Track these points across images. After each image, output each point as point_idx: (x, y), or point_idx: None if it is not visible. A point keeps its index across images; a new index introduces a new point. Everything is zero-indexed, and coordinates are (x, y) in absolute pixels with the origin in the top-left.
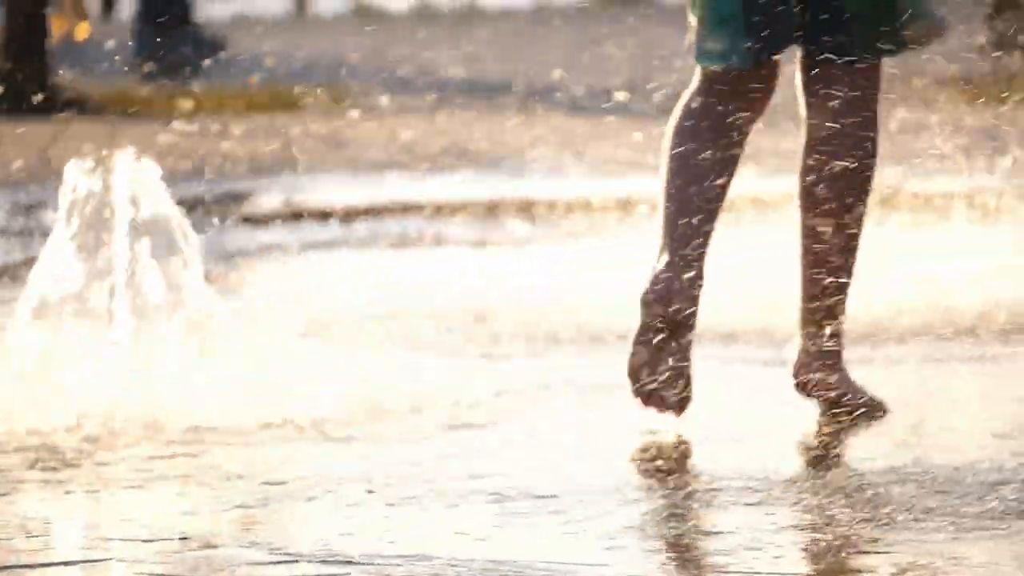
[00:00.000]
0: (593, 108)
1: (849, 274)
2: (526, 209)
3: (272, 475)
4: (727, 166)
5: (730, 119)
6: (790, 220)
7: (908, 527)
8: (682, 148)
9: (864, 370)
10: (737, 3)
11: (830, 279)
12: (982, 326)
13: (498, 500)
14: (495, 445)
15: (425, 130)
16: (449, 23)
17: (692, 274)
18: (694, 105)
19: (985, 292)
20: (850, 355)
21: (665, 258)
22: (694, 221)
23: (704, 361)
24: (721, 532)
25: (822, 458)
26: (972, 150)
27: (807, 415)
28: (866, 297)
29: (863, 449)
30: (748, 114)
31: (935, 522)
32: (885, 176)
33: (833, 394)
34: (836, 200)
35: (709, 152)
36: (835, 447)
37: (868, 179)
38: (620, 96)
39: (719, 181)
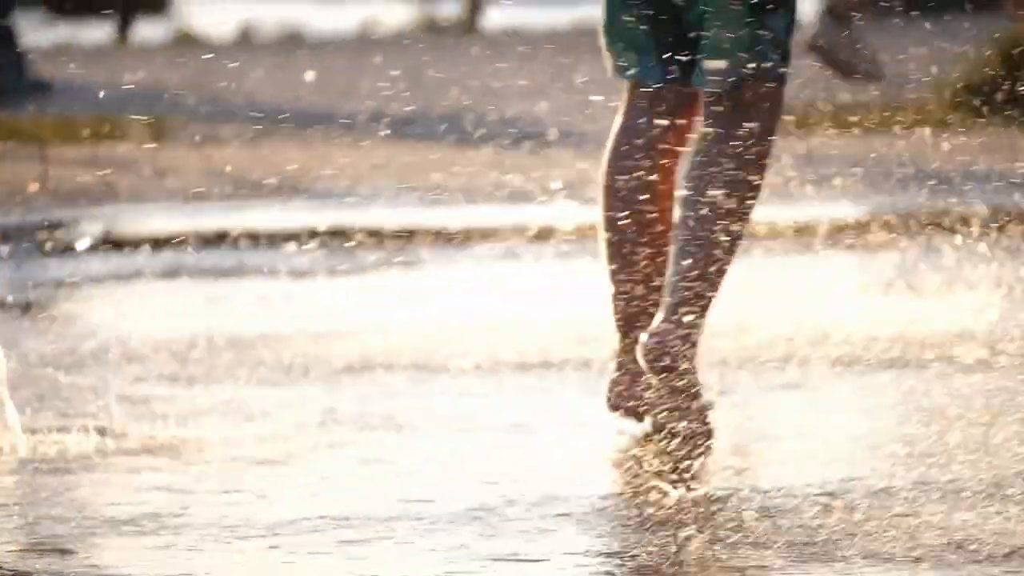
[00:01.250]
0: (418, 135)
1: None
2: (351, 238)
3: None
4: (662, 184)
5: (657, 136)
6: None
7: (743, 549)
8: (615, 170)
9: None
10: (645, 26)
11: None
12: (807, 354)
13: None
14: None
15: (248, 158)
16: (273, 50)
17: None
18: (621, 125)
19: (810, 321)
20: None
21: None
22: (634, 247)
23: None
24: (532, 559)
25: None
26: (798, 178)
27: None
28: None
29: (692, 473)
30: (673, 132)
31: (768, 546)
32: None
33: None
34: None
35: (641, 172)
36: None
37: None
38: (446, 123)
39: (653, 203)
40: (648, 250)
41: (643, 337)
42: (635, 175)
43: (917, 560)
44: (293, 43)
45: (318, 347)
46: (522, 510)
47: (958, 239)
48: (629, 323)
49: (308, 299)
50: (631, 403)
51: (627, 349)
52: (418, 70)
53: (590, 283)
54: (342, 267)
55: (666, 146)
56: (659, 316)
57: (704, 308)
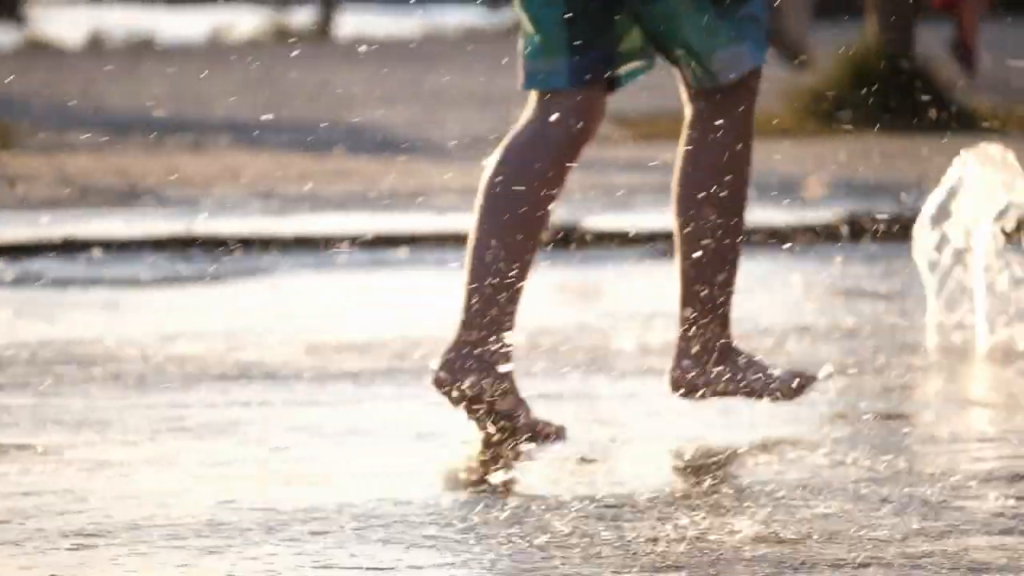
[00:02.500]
0: (268, 142)
1: None
2: (199, 245)
3: None
4: (549, 193)
5: (557, 144)
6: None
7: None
8: (502, 178)
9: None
10: (560, 24)
11: None
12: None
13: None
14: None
15: (97, 165)
16: (122, 57)
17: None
18: (519, 134)
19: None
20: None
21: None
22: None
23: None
24: (379, 568)
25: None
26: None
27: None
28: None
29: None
30: (572, 139)
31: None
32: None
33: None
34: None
35: (535, 180)
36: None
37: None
38: (296, 130)
39: (537, 211)
40: (522, 255)
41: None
42: (536, 182)
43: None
44: (144, 50)
45: (165, 354)
46: (350, 516)
47: (791, 246)
48: (483, 323)
49: (156, 307)
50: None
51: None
52: (269, 77)
53: (436, 290)
54: (190, 274)
55: (570, 154)
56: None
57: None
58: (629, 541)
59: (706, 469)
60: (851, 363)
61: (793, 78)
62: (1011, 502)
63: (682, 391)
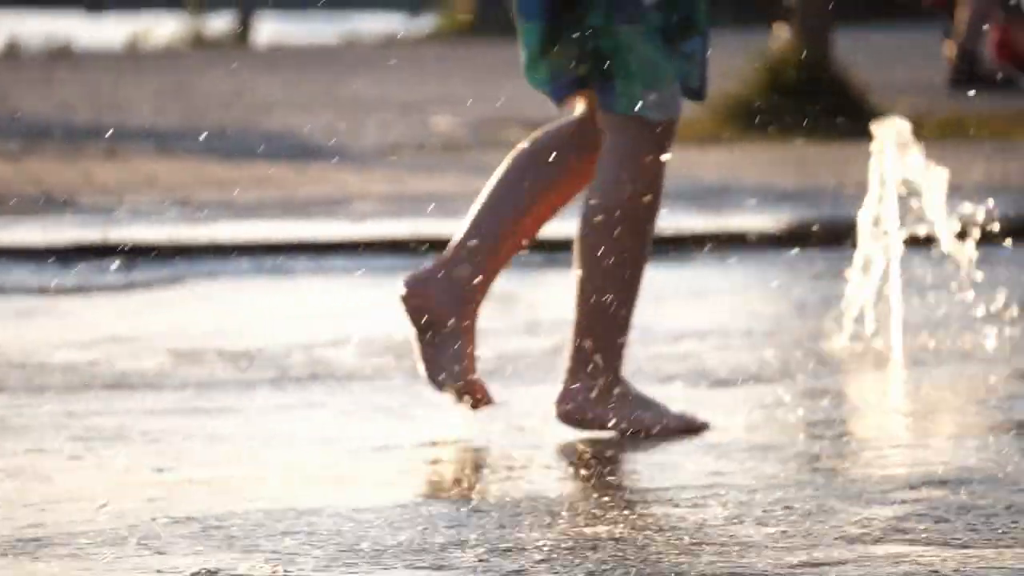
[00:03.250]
0: (185, 149)
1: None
2: (116, 253)
3: None
4: (542, 186)
5: (557, 144)
6: None
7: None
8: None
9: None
10: (536, 42)
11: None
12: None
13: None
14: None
15: (12, 173)
16: (39, 64)
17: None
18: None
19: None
20: None
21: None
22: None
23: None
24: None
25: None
26: None
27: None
28: None
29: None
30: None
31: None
32: None
33: None
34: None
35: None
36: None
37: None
38: (213, 137)
39: (527, 198)
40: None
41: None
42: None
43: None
44: (61, 56)
45: (78, 363)
46: (254, 523)
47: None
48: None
49: (70, 315)
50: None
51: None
52: (186, 84)
53: (347, 297)
54: (106, 282)
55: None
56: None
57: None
58: (526, 542)
59: (616, 473)
60: (769, 370)
61: (714, 86)
62: (919, 506)
63: (569, 420)
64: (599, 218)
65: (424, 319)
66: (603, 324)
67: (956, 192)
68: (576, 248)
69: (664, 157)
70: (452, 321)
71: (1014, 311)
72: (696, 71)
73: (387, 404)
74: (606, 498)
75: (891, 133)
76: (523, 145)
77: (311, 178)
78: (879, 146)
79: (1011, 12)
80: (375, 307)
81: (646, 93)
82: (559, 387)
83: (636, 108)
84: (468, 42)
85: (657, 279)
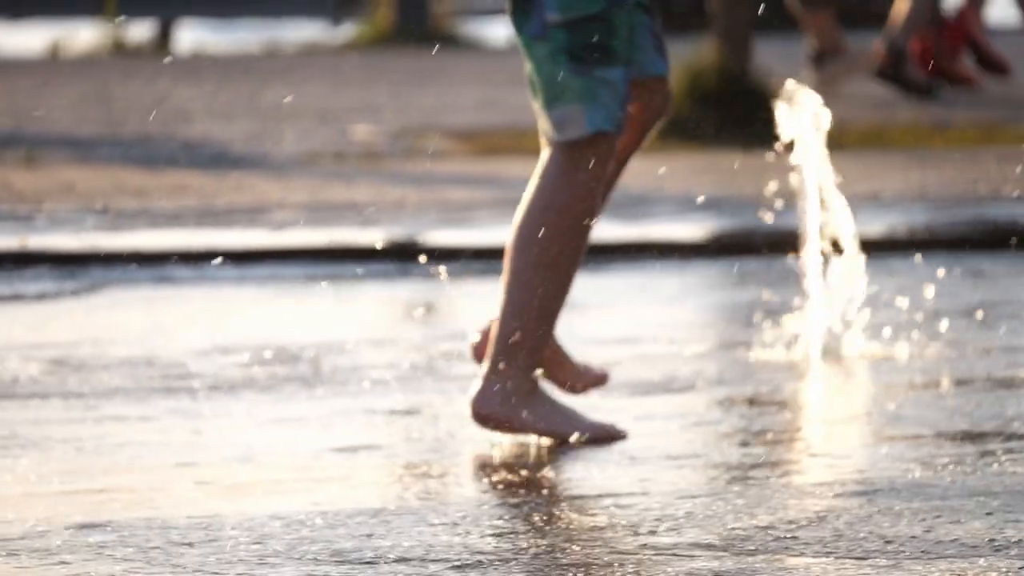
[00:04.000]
0: (105, 157)
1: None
2: (35, 261)
3: None
4: None
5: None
6: None
7: None
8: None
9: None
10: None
11: None
12: None
13: None
14: None
15: None
16: None
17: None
18: None
19: None
20: None
21: None
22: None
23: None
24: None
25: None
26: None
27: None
28: None
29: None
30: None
31: None
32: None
33: None
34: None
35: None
36: None
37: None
38: (133, 145)
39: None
40: None
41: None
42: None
43: None
44: None
45: None
46: (156, 531)
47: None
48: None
49: None
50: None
51: None
52: (106, 92)
53: (271, 307)
54: (23, 291)
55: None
56: None
57: None
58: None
59: (535, 478)
60: (689, 378)
61: None
62: (837, 516)
63: (484, 422)
64: (530, 225)
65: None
66: (525, 329)
67: (876, 201)
68: (507, 253)
69: (591, 170)
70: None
71: (933, 320)
72: (617, 100)
73: (293, 413)
74: (523, 506)
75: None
76: None
77: (230, 186)
78: (800, 154)
79: (937, 23)
80: (290, 316)
81: (549, 112)
82: (475, 389)
83: (556, 130)
84: (387, 51)
85: (576, 288)
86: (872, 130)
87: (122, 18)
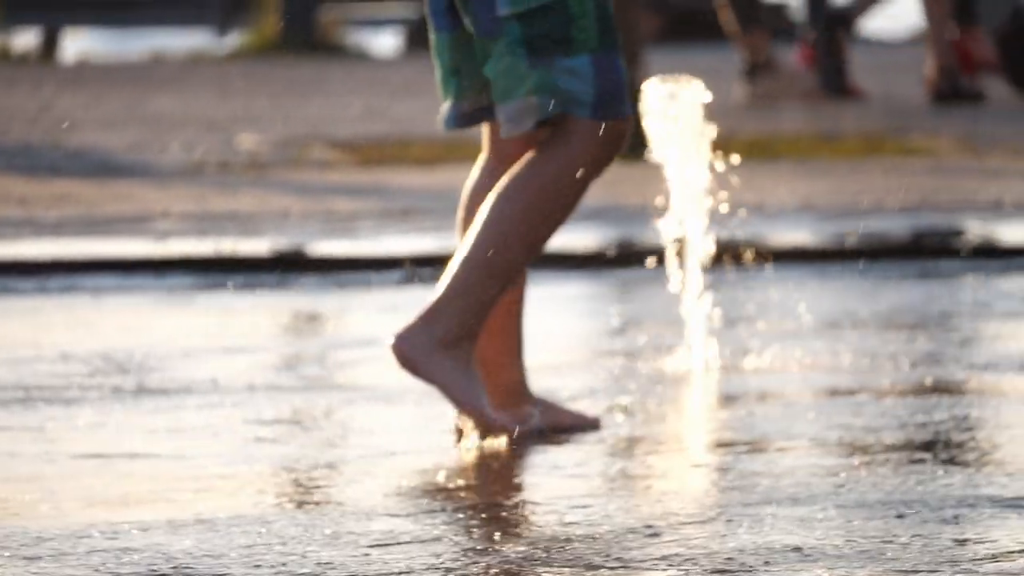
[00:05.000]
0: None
1: None
2: None
3: None
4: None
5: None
6: None
7: None
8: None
9: None
10: (445, 66)
11: None
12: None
13: None
14: None
15: None
16: None
17: None
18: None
19: None
20: None
21: None
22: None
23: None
24: None
25: None
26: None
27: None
28: None
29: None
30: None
31: None
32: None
33: None
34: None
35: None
36: None
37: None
38: (17, 154)
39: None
40: None
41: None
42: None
43: None
44: None
45: None
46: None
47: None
48: None
49: None
50: None
51: None
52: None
53: (153, 316)
54: None
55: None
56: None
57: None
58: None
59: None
60: (575, 388)
61: None
62: (719, 526)
63: (399, 359)
64: (504, 201)
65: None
66: (474, 289)
67: (761, 211)
68: (476, 219)
69: (581, 154)
70: None
71: (807, 330)
72: (585, 88)
73: (164, 423)
74: (401, 516)
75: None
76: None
77: (114, 195)
78: (676, 164)
79: (831, 30)
80: (169, 325)
81: (506, 104)
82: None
83: (508, 122)
84: (273, 60)
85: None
86: (759, 140)
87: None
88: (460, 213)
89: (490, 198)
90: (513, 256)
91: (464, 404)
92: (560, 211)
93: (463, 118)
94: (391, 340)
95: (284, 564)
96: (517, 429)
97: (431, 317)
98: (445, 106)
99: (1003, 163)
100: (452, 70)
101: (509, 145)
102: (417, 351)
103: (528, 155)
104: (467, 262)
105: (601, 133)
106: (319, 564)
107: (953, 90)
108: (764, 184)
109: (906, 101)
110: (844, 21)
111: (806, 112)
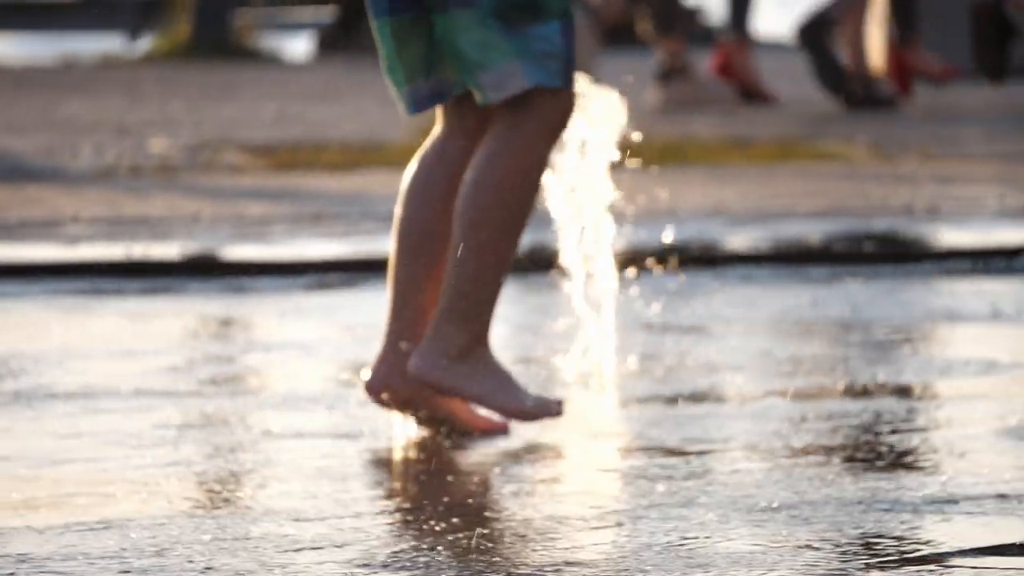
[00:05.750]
0: None
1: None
2: None
3: None
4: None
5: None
6: None
7: None
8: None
9: None
10: (391, 52)
11: None
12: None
13: None
14: None
15: None
16: None
17: None
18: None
19: None
20: None
21: None
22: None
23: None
24: None
25: None
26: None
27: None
28: None
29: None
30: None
31: None
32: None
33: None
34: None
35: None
36: None
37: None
38: None
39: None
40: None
41: None
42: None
43: None
44: None
45: None
46: None
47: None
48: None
49: None
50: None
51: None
52: None
53: (59, 321)
54: None
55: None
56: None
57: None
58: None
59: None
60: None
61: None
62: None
63: (418, 382)
64: (480, 193)
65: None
66: (470, 293)
67: (673, 217)
68: (456, 223)
69: (542, 131)
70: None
71: (729, 332)
72: (556, 55)
73: (75, 427)
74: (316, 513)
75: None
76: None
77: (24, 200)
78: (579, 169)
79: (738, 34)
80: (77, 330)
81: (484, 75)
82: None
83: (482, 93)
84: (186, 64)
85: (351, 302)
86: (671, 145)
87: None
88: (403, 187)
89: (464, 193)
90: (499, 248)
91: (505, 409)
92: (531, 187)
93: (423, 101)
94: (409, 368)
95: (190, 564)
96: (559, 409)
97: (437, 333)
98: (400, 93)
99: (914, 168)
100: (398, 54)
101: (471, 119)
102: (435, 371)
103: (491, 135)
104: (458, 266)
105: (559, 103)
106: (225, 569)
107: (866, 95)
108: (676, 188)
109: (819, 106)
110: (826, 24)
111: (719, 117)
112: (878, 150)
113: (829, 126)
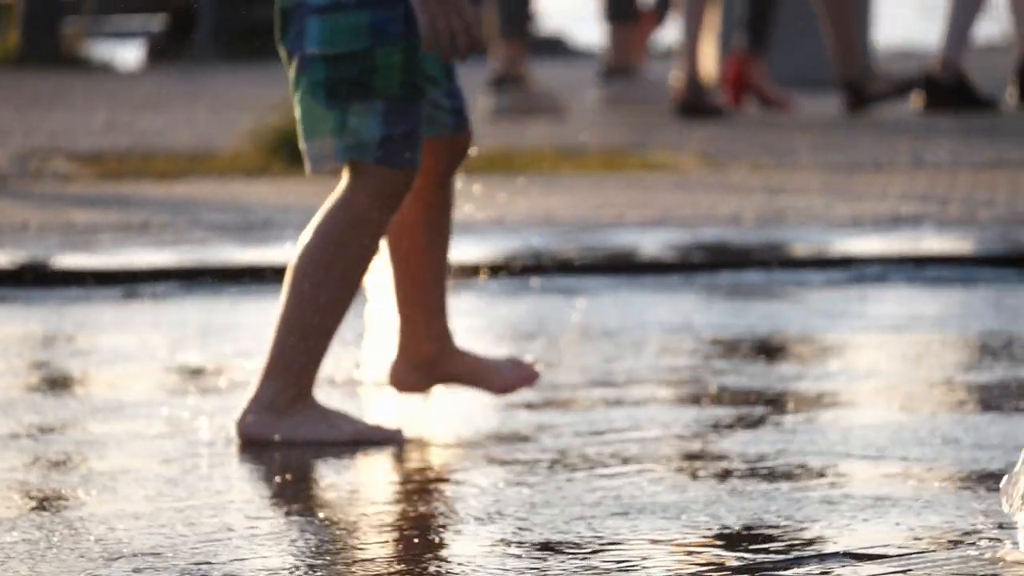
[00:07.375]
0: None
1: None
2: None
3: None
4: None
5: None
6: None
7: None
8: None
9: None
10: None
11: None
12: None
13: None
14: None
15: None
16: None
17: None
18: None
19: None
20: None
21: None
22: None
23: None
24: None
25: None
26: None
27: None
28: None
29: None
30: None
31: None
32: None
33: None
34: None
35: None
36: None
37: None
38: None
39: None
40: None
41: None
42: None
43: None
44: None
45: None
46: None
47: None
48: None
49: None
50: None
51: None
52: None
53: None
54: None
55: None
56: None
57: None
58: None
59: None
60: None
61: (260, 119)
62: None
63: (246, 439)
64: (314, 247)
65: None
66: (292, 350)
67: (500, 225)
68: (287, 274)
69: (371, 202)
70: None
71: (520, 342)
72: (372, 131)
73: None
74: (146, 524)
75: None
76: None
77: None
78: None
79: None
80: None
81: (307, 144)
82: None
83: (309, 162)
84: (14, 72)
85: (180, 311)
86: (500, 154)
87: None
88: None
89: (299, 242)
90: (322, 312)
91: (346, 439)
92: (360, 250)
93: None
94: (237, 427)
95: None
96: (401, 436)
97: (261, 390)
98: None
99: (743, 178)
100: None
101: (427, 159)
102: (262, 427)
103: (334, 193)
104: (281, 324)
105: (384, 179)
106: None
107: (698, 104)
108: (504, 198)
109: (649, 116)
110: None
111: (550, 127)
112: (707, 160)
113: (659, 136)
